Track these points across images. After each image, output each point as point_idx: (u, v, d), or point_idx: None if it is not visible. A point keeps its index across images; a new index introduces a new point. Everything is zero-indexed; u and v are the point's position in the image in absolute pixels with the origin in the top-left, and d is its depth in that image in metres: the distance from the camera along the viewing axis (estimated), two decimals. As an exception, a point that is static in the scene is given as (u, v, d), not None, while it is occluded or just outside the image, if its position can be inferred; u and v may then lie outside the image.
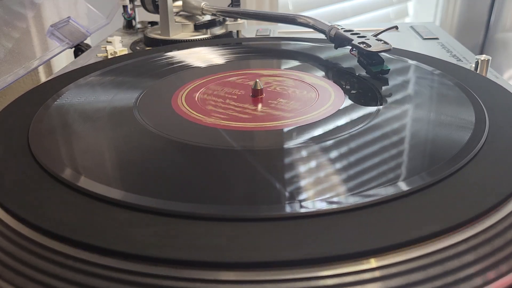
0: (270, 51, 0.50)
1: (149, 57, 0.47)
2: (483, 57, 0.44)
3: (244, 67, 0.44)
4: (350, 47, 0.41)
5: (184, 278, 0.18)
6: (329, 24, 0.45)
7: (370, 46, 0.39)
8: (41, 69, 0.71)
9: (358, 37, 0.41)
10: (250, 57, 0.48)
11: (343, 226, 0.20)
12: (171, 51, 0.49)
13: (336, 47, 0.44)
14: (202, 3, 0.60)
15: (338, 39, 0.43)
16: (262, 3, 1.04)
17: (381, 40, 0.40)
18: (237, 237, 0.20)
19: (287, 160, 0.27)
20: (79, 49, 0.62)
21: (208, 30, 0.60)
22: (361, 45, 0.39)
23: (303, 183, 0.24)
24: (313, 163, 0.26)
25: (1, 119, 0.33)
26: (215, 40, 0.57)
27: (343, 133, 0.29)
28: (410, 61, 0.42)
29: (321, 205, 0.22)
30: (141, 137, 0.30)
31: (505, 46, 1.20)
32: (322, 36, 0.46)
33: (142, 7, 0.65)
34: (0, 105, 0.36)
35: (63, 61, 0.73)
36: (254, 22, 0.76)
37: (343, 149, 0.28)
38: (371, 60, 0.39)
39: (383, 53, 0.40)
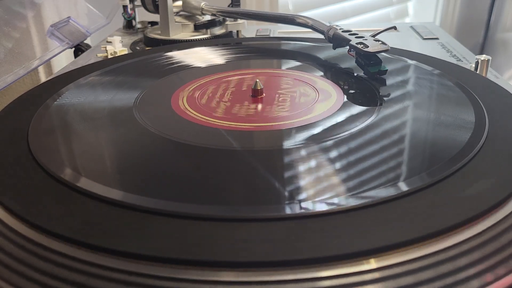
0: (270, 51, 0.50)
1: (149, 57, 0.47)
2: (483, 57, 0.44)
3: (244, 67, 0.44)
4: (348, 48, 0.41)
5: (184, 278, 0.18)
6: (328, 25, 0.45)
7: (367, 46, 0.39)
8: (41, 69, 0.71)
9: (356, 37, 0.41)
10: (250, 57, 0.48)
11: (343, 227, 0.20)
12: (171, 51, 0.49)
13: (334, 48, 0.44)
14: (202, 3, 0.60)
15: (337, 40, 0.43)
16: (262, 3, 1.04)
17: (379, 41, 0.39)
18: (237, 237, 0.20)
19: (287, 160, 0.27)
20: (79, 49, 0.62)
21: (208, 30, 0.60)
22: (359, 46, 0.39)
23: (302, 183, 0.24)
24: (312, 163, 0.26)
25: (1, 119, 0.33)
26: (215, 40, 0.57)
27: (343, 133, 0.29)
28: (410, 61, 0.42)
29: (321, 206, 0.22)
30: (141, 137, 0.30)
31: (505, 46, 1.20)
32: (322, 36, 0.46)
33: (142, 7, 0.65)
34: (0, 105, 0.36)
35: (63, 61, 0.73)
36: (254, 22, 0.75)
37: (343, 149, 0.28)
38: (369, 61, 0.39)
39: (382, 53, 0.40)
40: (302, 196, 0.23)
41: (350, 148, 0.28)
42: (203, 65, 0.45)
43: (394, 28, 0.45)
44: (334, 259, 0.19)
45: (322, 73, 0.42)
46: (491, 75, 0.45)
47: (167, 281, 0.18)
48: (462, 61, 0.51)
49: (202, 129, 0.31)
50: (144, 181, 0.25)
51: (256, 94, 0.36)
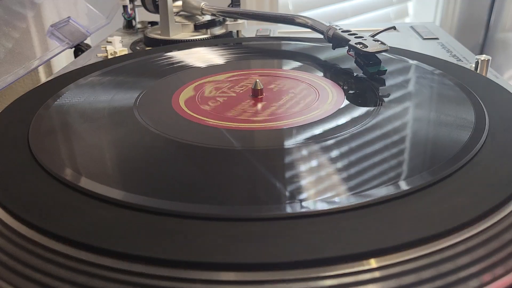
0: (270, 51, 0.50)
1: (149, 57, 0.47)
2: (483, 57, 0.44)
3: (244, 67, 0.44)
4: (348, 48, 0.41)
5: (184, 278, 0.18)
6: (327, 25, 0.45)
7: (367, 46, 0.39)
8: (41, 69, 0.71)
9: (355, 37, 0.41)
10: (250, 57, 0.48)
11: (343, 226, 0.20)
12: (171, 51, 0.49)
13: (333, 48, 0.44)
14: (202, 3, 0.60)
15: (336, 40, 0.43)
16: (262, 3, 1.04)
17: (378, 41, 0.39)
18: (237, 237, 0.20)
19: (287, 160, 0.27)
20: (79, 49, 0.62)
21: (208, 30, 0.60)
22: (358, 46, 0.39)
23: (303, 183, 0.24)
24: (313, 163, 0.26)
25: (1, 119, 0.33)
26: (215, 40, 0.57)
27: (343, 133, 0.29)
28: (410, 61, 0.42)
29: (322, 205, 0.22)
30: (141, 137, 0.30)
31: (505, 46, 1.20)
32: (322, 36, 0.46)
33: (142, 7, 0.65)
34: (0, 105, 0.36)
35: (63, 61, 0.73)
36: (254, 22, 0.76)
37: (343, 149, 0.28)
38: (368, 61, 0.39)
39: (383, 53, 0.40)
40: (303, 195, 0.23)
41: (350, 148, 0.28)
42: (203, 65, 0.45)
43: (394, 28, 0.45)
44: (334, 259, 0.19)
45: (321, 73, 0.42)
46: (491, 75, 0.45)
47: (167, 281, 0.18)
48: (462, 61, 0.51)
49: (202, 129, 0.31)
50: (144, 181, 0.25)
51: (256, 94, 0.36)
